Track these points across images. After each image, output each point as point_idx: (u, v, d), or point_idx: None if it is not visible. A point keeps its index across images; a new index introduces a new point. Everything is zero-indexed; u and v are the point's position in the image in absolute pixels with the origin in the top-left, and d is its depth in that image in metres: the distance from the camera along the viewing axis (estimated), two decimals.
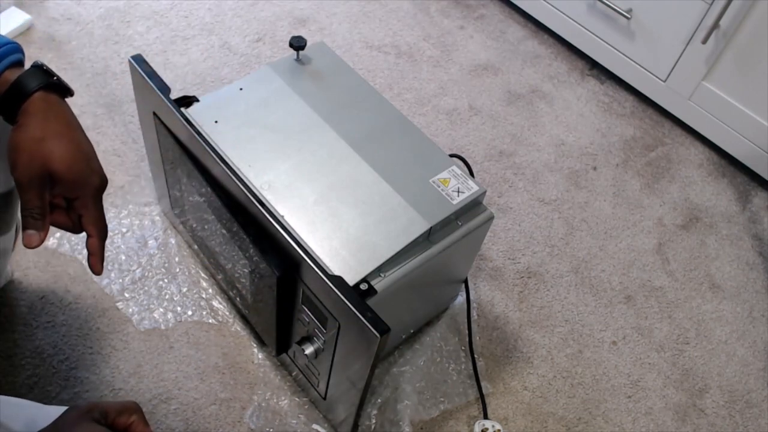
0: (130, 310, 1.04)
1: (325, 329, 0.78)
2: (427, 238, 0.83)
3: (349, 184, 0.83)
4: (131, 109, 1.27)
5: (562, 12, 1.50)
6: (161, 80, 0.84)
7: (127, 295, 1.06)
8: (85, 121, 1.06)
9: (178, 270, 1.09)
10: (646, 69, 1.43)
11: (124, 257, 1.09)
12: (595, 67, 1.55)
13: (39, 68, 0.66)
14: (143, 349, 1.01)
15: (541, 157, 1.37)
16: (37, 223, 0.64)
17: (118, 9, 1.45)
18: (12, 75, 0.65)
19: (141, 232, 1.13)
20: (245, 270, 0.85)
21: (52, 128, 0.65)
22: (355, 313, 0.68)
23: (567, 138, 1.42)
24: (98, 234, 0.68)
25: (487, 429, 0.99)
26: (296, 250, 0.73)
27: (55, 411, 0.62)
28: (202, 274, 1.09)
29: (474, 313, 1.12)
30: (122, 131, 1.24)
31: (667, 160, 1.42)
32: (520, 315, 1.14)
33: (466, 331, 1.08)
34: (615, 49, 1.45)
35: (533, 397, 1.06)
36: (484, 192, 0.87)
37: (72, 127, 0.67)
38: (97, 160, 0.69)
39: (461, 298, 1.12)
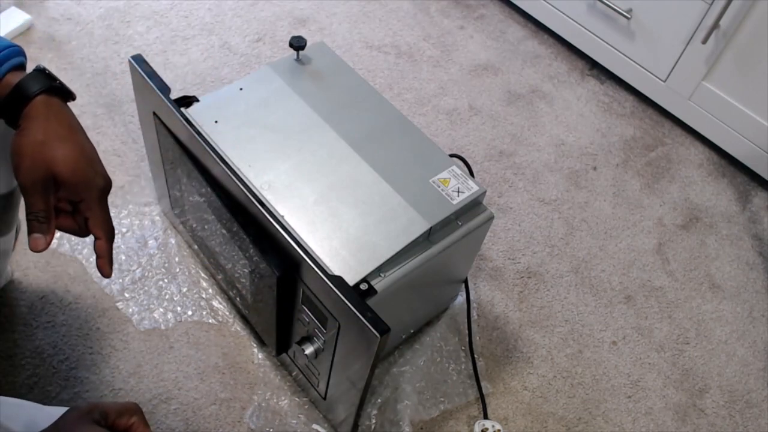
0: (130, 310, 1.04)
1: (325, 329, 0.78)
2: (427, 238, 0.83)
3: (349, 184, 0.83)
4: (131, 109, 1.27)
5: (562, 12, 1.50)
6: (161, 80, 0.84)
7: (127, 295, 1.06)
8: (85, 121, 1.06)
9: (178, 270, 1.09)
10: (646, 69, 1.43)
11: (124, 257, 1.09)
12: (595, 67, 1.55)
13: (41, 72, 0.66)
14: (143, 349, 1.01)
15: (541, 157, 1.37)
16: (43, 226, 0.63)
17: (118, 9, 1.45)
18: (14, 78, 0.65)
19: (141, 232, 1.13)
20: (245, 270, 0.85)
21: (54, 131, 0.65)
22: (355, 313, 0.68)
23: (567, 138, 1.42)
24: (105, 236, 0.68)
25: (487, 429, 0.99)
26: (296, 250, 0.73)
27: (55, 411, 0.62)
28: (202, 274, 1.09)
29: (474, 313, 1.12)
30: (122, 131, 1.24)
31: (667, 160, 1.42)
32: (520, 315, 1.14)
33: (466, 331, 1.08)
34: (615, 49, 1.45)
35: (533, 397, 1.06)
36: (484, 192, 0.87)
37: (74, 129, 0.67)
38: (100, 162, 0.69)
39: (461, 298, 1.12)
